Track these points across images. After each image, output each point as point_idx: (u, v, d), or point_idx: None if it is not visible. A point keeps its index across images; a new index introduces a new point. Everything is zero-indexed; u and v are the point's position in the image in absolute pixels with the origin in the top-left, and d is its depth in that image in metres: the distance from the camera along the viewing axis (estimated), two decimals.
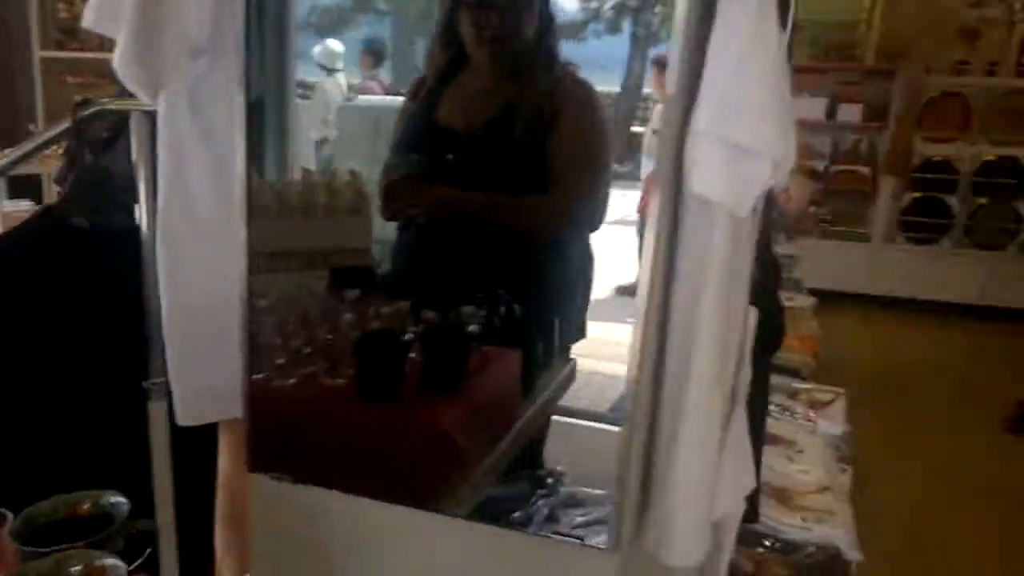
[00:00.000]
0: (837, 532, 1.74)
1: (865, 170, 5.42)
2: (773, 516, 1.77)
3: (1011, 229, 5.17)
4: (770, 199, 0.94)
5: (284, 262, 1.11)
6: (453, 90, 1.13)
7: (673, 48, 0.69)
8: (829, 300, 5.57)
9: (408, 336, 1.05)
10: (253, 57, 0.93)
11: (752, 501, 1.42)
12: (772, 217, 2.43)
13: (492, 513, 1.01)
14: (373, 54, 1.28)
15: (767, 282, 1.26)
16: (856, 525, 1.91)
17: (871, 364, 4.39)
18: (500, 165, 1.09)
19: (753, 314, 1.09)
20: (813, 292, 5.22)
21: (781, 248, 2.56)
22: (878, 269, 5.44)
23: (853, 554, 1.74)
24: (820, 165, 5.50)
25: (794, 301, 3.66)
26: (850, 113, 5.27)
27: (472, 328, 1.05)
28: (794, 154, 1.03)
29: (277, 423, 1.06)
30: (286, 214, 1.11)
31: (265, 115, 1.07)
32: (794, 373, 2.82)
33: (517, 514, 1.03)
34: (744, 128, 0.64)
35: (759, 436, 1.38)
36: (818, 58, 5.40)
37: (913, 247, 5.36)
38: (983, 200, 5.20)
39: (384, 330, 1.08)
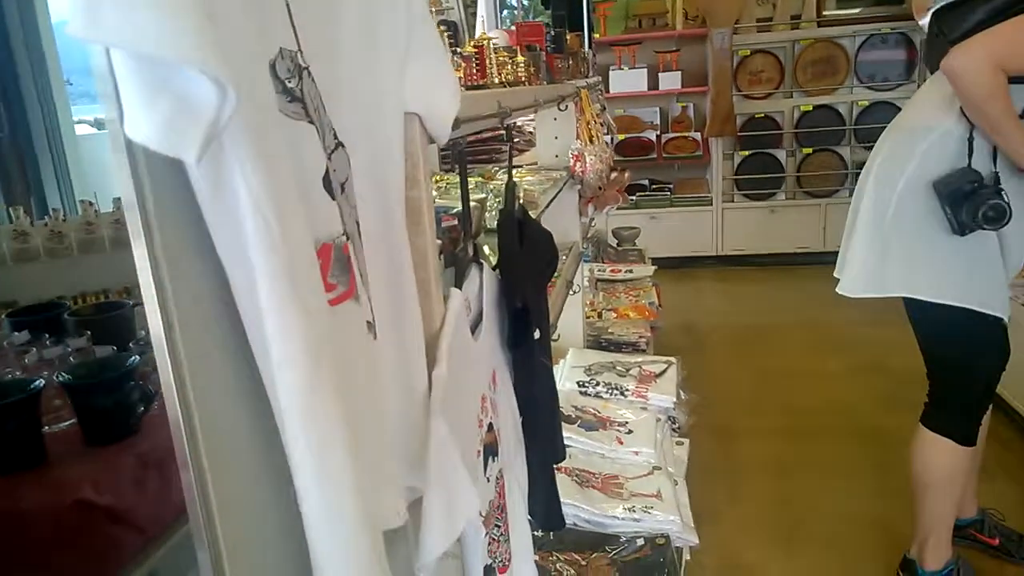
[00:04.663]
0: (667, 518, 1.58)
1: (696, 135, 5.47)
2: (598, 509, 1.59)
3: (840, 175, 5.32)
4: None
5: None
6: None
7: None
8: (684, 265, 5.64)
9: None
10: None
11: (548, 508, 1.22)
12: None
13: None
14: None
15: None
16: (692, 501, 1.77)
17: (730, 322, 4.40)
18: None
19: (456, 296, 0.88)
20: (662, 261, 5.21)
21: (585, 218, 2.41)
22: (723, 230, 5.52)
23: (686, 537, 1.59)
24: (652, 135, 5.52)
25: (632, 272, 3.57)
26: (671, 80, 5.30)
27: None
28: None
29: None
30: None
31: None
32: (632, 346, 2.70)
33: None
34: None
35: (535, 435, 1.18)
36: (633, 30, 5.42)
37: (751, 203, 5.46)
38: (808, 150, 5.35)
39: None
